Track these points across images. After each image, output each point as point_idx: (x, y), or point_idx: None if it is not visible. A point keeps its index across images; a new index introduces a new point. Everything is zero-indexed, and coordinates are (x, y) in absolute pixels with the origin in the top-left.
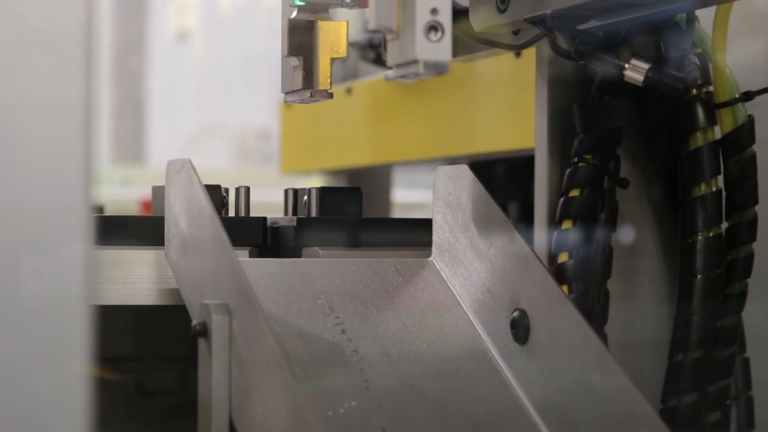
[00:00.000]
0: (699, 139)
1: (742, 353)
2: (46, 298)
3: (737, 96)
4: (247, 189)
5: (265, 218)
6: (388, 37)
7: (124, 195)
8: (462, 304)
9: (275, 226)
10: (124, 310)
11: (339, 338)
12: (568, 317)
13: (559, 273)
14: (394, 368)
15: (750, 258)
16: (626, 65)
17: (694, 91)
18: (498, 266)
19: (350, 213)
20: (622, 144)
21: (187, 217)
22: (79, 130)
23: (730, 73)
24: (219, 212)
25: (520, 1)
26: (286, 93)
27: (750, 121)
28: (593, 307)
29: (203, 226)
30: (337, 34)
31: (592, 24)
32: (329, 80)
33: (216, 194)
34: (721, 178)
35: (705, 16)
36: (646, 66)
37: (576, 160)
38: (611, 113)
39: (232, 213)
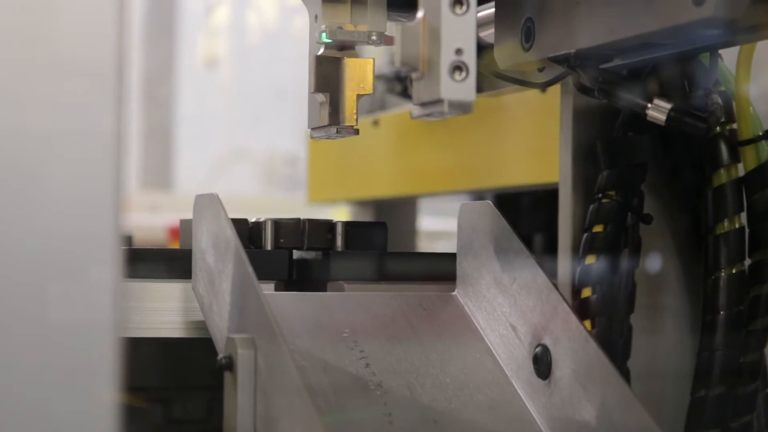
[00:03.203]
0: (722, 177)
1: (765, 389)
2: (75, 324)
3: (760, 134)
4: (274, 222)
5: (291, 251)
6: (414, 75)
7: (152, 221)
8: (485, 338)
9: (301, 259)
10: (151, 341)
11: (363, 372)
12: (590, 353)
13: (582, 307)
14: (417, 402)
15: None
16: (649, 105)
17: (718, 128)
18: (521, 302)
19: (376, 247)
20: (645, 180)
21: (214, 251)
22: (109, 156)
23: (753, 111)
24: (245, 245)
25: (544, 40)
26: (313, 129)
27: None
28: (616, 342)
29: (229, 260)
30: (363, 70)
31: (616, 63)
32: (355, 116)
33: (242, 227)
34: (744, 215)
35: (728, 53)
36: (669, 106)
37: (600, 196)
38: (635, 150)
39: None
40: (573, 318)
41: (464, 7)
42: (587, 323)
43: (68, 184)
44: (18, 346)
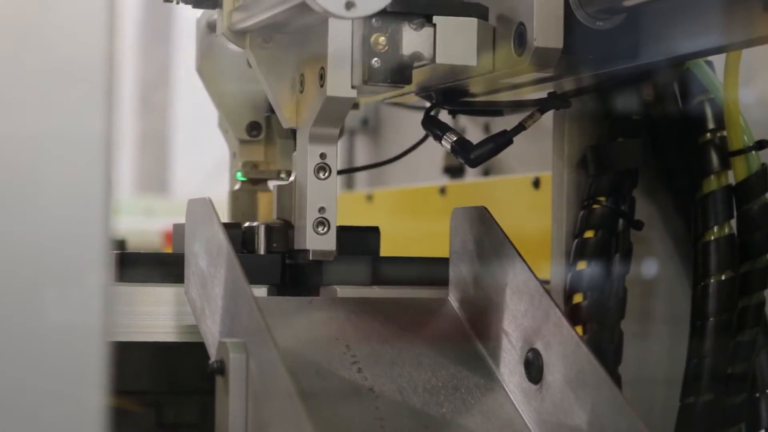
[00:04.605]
0: (712, 183)
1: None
2: (64, 327)
3: (750, 144)
4: (267, 226)
5: (283, 256)
6: (289, 228)
7: (147, 225)
8: (477, 343)
9: (293, 263)
10: (144, 345)
11: (355, 376)
12: (581, 358)
13: (573, 313)
14: (409, 406)
15: (761, 305)
16: (443, 135)
17: (708, 135)
18: (513, 306)
19: (368, 251)
20: (637, 185)
21: (207, 256)
22: (99, 161)
23: (743, 121)
24: (238, 249)
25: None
26: None
27: (763, 169)
28: (607, 348)
29: (222, 265)
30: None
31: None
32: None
33: (235, 231)
34: (734, 223)
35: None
36: (454, 138)
37: (590, 201)
38: (625, 155)
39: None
40: (565, 323)
41: (327, 173)
42: (579, 328)
43: (58, 187)
44: (7, 350)
